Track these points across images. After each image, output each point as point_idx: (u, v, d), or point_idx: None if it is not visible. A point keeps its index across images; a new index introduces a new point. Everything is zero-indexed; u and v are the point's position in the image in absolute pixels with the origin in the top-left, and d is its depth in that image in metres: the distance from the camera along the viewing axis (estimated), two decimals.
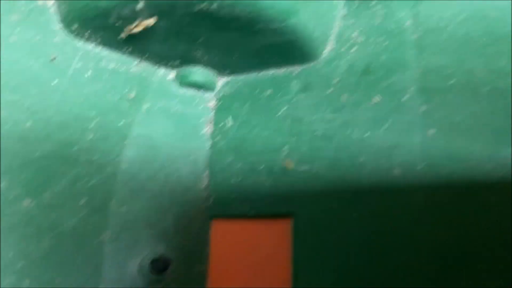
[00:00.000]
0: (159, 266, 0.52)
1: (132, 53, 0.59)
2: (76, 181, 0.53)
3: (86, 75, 0.56)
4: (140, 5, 0.49)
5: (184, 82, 0.63)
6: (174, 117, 0.62)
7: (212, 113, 0.65)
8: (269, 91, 0.62)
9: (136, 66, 0.61)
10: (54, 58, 0.53)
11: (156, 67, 0.62)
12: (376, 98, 0.55)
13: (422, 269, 0.48)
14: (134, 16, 0.51)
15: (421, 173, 0.50)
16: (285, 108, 0.60)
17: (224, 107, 0.64)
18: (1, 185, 0.47)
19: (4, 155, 0.47)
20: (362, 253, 0.50)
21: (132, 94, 0.59)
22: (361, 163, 0.53)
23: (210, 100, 0.65)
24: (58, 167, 0.52)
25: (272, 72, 0.63)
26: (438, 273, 0.47)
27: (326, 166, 0.55)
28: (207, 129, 0.64)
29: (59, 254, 0.50)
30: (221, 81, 0.65)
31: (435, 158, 0.50)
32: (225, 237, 0.59)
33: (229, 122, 0.63)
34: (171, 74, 0.63)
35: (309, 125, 0.58)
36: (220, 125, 0.63)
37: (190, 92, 0.64)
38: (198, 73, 0.63)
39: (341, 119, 0.56)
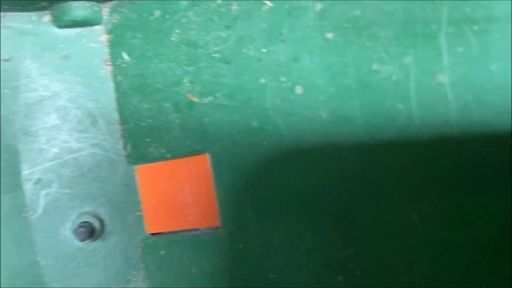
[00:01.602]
0: (84, 233, 0.52)
1: None
2: None
3: None
4: None
5: (63, 22, 0.55)
6: (64, 66, 0.55)
7: (107, 49, 0.57)
8: (157, 13, 0.53)
9: None
10: None
11: (23, 13, 0.54)
12: (268, 3, 0.46)
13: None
14: None
15: (323, 88, 0.44)
16: (177, 31, 0.52)
17: (116, 40, 0.56)
18: None
19: None
20: (279, 183, 0.48)
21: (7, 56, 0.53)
22: (263, 85, 0.47)
23: (100, 35, 0.57)
24: None
25: None
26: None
27: (229, 95, 0.49)
28: (107, 69, 0.57)
29: None
30: (105, 10, 0.56)
31: (335, 67, 0.44)
32: (151, 180, 0.57)
33: (126, 57, 0.56)
34: (46, 17, 0.55)
35: (205, 48, 0.50)
36: (118, 63, 0.56)
37: (75, 31, 0.56)
38: (77, 6, 0.54)
39: (235, 36, 0.48)
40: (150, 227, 0.58)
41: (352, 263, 0.45)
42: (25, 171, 0.53)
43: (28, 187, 0.53)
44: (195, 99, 0.51)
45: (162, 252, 0.56)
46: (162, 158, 0.55)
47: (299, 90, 0.45)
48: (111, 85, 0.57)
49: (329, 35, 0.43)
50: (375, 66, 0.41)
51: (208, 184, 0.53)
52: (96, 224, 0.54)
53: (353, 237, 0.44)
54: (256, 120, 0.48)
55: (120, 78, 0.57)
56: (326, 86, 0.44)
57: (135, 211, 0.58)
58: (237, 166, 0.50)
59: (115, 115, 0.57)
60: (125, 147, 0.58)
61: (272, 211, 0.48)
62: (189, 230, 0.56)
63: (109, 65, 0.57)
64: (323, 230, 0.46)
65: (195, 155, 0.53)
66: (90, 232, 0.52)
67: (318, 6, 0.43)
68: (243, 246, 0.50)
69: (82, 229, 0.51)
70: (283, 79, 0.46)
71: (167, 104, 0.53)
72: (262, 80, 0.47)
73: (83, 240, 0.52)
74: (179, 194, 0.56)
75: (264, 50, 0.47)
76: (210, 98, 0.50)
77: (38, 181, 0.54)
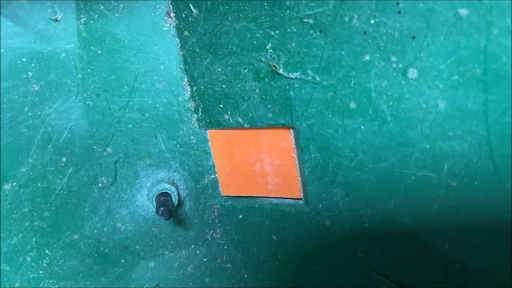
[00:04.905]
0: (167, 212, 0.50)
1: None
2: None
3: None
4: None
5: None
6: (127, 19, 0.48)
7: (169, 1, 0.48)
8: None
9: None
10: None
11: None
12: None
13: None
14: None
15: (444, 74, 0.37)
16: None
17: None
18: None
19: None
20: (376, 170, 0.44)
21: None
22: (366, 63, 0.40)
23: None
24: None
25: None
26: None
27: (322, 70, 0.42)
28: (169, 24, 0.49)
29: (65, 214, 0.50)
30: None
31: (463, 52, 0.36)
32: (226, 146, 0.54)
33: (193, 10, 0.47)
34: None
35: (294, 10, 0.41)
36: (184, 15, 0.48)
37: None
38: None
39: None
40: (225, 190, 0.57)
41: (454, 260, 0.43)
42: (95, 136, 0.50)
43: (99, 155, 0.51)
44: (280, 71, 0.45)
45: (240, 217, 0.56)
46: (239, 127, 0.50)
47: (413, 73, 0.38)
48: (176, 42, 0.50)
49: (463, 12, 0.35)
50: None
51: (291, 158, 0.50)
52: (174, 194, 0.52)
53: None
54: (354, 101, 0.42)
55: (186, 32, 0.49)
56: (449, 73, 0.37)
57: (210, 175, 0.56)
58: (327, 147, 0.45)
59: (183, 76, 0.51)
60: (196, 110, 0.53)
61: (365, 196, 0.45)
62: (267, 197, 0.54)
63: (172, 20, 0.49)
64: (423, 224, 0.43)
65: (277, 128, 0.49)
66: (171, 208, 0.50)
67: None
68: (330, 224, 0.49)
69: (164, 208, 0.50)
70: (394, 58, 0.39)
71: (245, 71, 0.47)
72: (367, 57, 0.40)
73: (167, 219, 0.51)
74: (257, 163, 0.52)
75: (372, 21, 0.38)
76: (298, 73, 0.44)
77: (109, 148, 0.51)
